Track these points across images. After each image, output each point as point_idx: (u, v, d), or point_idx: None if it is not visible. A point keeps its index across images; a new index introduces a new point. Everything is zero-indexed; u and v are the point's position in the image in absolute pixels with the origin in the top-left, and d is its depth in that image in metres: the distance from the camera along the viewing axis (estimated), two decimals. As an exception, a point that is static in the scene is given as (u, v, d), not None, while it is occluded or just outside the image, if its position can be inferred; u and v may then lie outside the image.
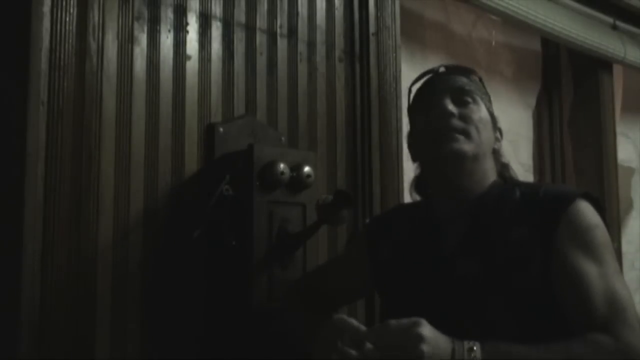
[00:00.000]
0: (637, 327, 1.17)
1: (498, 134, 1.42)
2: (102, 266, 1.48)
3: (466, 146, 1.31)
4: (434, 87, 1.39)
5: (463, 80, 1.38)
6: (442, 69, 1.42)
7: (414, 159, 1.46)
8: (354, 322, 1.19)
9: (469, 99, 1.36)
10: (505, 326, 1.22)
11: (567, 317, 1.21)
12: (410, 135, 1.45)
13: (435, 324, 1.15)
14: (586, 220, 1.26)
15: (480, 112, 1.36)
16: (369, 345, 1.13)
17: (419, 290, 1.34)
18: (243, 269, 1.56)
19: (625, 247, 3.32)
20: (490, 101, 1.43)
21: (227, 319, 1.59)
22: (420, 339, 1.09)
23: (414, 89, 1.44)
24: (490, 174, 1.38)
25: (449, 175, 1.35)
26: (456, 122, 1.33)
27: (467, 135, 1.32)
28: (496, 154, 1.41)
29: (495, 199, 1.34)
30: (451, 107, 1.34)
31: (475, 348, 1.11)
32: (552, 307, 1.23)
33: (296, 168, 1.62)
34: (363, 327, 1.17)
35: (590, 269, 1.21)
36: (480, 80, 1.44)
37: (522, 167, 3.06)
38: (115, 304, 1.49)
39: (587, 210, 1.28)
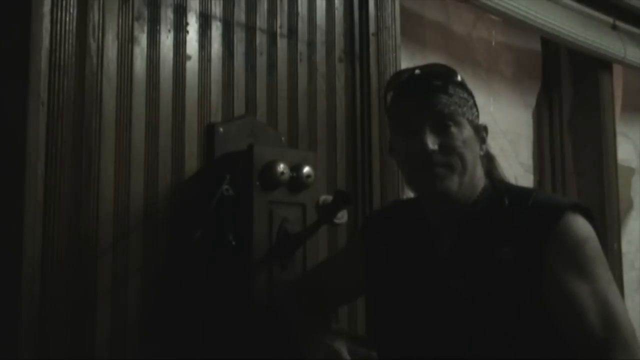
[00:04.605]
0: (634, 343, 1.16)
1: (483, 134, 1.35)
2: (102, 266, 1.48)
3: (449, 183, 1.26)
4: (412, 107, 1.29)
5: (442, 100, 1.27)
6: (417, 72, 1.34)
7: (398, 165, 1.40)
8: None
9: (449, 123, 1.27)
10: (495, 342, 1.20)
11: (563, 335, 1.19)
12: (391, 144, 1.38)
13: (422, 335, 1.13)
14: (576, 235, 1.22)
15: (462, 132, 1.28)
16: None
17: (407, 299, 1.32)
18: (243, 269, 1.56)
19: (625, 247, 3.31)
20: (472, 102, 1.34)
21: (227, 319, 1.59)
22: None
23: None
24: (479, 181, 1.33)
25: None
26: (437, 158, 1.26)
27: (449, 168, 1.26)
28: (482, 157, 1.35)
29: (484, 209, 1.31)
30: (431, 141, 1.25)
31: None
32: (544, 324, 1.21)
33: (296, 168, 1.62)
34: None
35: (582, 288, 1.19)
36: (460, 80, 1.34)
37: (522, 167, 3.06)
38: (115, 304, 1.49)
39: (576, 224, 1.24)
